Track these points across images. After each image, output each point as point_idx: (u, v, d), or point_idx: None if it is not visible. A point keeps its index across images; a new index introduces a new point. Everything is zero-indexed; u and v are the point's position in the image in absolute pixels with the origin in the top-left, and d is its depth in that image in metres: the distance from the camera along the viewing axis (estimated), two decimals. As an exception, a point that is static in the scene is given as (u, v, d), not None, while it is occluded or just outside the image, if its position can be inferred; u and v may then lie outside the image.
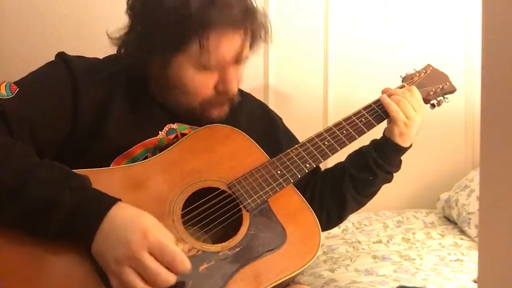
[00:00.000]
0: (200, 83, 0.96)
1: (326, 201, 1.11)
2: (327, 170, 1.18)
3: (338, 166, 1.16)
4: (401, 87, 1.16)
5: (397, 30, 1.92)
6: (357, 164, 1.10)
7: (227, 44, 0.93)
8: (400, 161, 1.12)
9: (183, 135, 1.00)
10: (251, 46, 1.01)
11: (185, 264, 0.76)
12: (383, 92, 1.13)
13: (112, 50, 1.09)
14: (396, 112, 1.05)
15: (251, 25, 0.97)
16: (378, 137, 1.12)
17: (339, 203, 1.10)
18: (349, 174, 1.10)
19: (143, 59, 0.97)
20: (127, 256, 0.74)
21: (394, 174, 1.13)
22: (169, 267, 0.75)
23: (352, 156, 1.14)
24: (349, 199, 1.10)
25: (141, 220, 0.77)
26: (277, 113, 1.24)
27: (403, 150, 1.09)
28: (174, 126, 1.01)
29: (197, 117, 1.01)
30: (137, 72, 1.00)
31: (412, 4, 1.93)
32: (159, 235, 0.76)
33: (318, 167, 1.15)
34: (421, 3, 1.93)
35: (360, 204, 1.14)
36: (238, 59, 0.97)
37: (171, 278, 0.76)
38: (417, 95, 1.10)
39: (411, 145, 1.10)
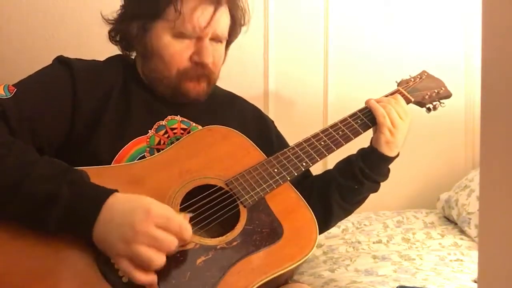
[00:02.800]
0: (175, 51, 1.01)
1: (312, 207, 1.08)
2: (316, 176, 1.19)
3: (327, 173, 1.17)
4: (386, 96, 1.16)
5: (397, 30, 1.92)
6: (344, 173, 1.11)
7: (200, 10, 0.99)
8: (388, 169, 1.12)
9: (172, 129, 1.03)
10: (231, 28, 1.06)
11: (190, 231, 0.80)
12: (366, 102, 1.13)
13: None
14: (383, 117, 1.06)
15: (228, 2, 1.04)
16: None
17: (325, 209, 1.11)
18: (336, 182, 1.11)
19: (127, 28, 1.03)
20: (135, 234, 0.75)
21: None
22: (176, 236, 0.78)
23: (340, 164, 1.15)
24: (334, 206, 1.11)
25: (140, 201, 0.80)
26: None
27: (390, 159, 1.09)
28: (163, 122, 1.03)
29: (176, 93, 1.03)
30: (126, 47, 1.07)
31: (412, 4, 1.93)
32: (161, 209, 0.79)
33: (309, 173, 1.17)
34: (421, 3, 1.94)
35: (346, 211, 1.15)
36: (214, 34, 1.01)
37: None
38: (402, 102, 1.11)
39: (398, 154, 1.10)
